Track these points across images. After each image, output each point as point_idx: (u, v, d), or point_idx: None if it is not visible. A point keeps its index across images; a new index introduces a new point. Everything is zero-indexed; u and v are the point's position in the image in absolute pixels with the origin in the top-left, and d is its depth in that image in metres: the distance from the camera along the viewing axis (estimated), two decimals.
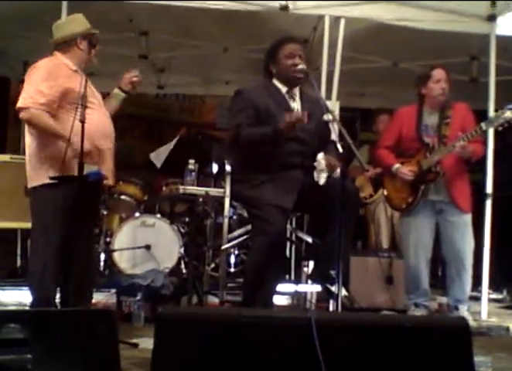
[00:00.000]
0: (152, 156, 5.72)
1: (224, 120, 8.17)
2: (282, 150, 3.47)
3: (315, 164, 3.48)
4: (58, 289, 3.32)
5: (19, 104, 3.26)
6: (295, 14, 4.65)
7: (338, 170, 3.47)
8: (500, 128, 3.95)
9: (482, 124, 3.96)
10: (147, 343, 3.08)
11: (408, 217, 4.27)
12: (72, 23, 3.52)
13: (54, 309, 2.60)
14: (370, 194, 5.84)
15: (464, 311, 4.13)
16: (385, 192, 4.44)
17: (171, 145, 5.45)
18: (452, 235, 4.17)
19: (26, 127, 3.37)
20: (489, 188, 4.59)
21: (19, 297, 4.25)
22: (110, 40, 5.28)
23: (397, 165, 4.22)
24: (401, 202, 4.27)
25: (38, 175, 3.29)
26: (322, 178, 3.47)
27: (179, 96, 8.60)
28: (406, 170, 4.16)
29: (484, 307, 4.55)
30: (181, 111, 8.80)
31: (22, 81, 3.45)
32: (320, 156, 3.48)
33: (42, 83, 3.26)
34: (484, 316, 4.53)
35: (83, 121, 3.11)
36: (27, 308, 3.48)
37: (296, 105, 3.60)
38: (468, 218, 4.18)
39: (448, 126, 4.16)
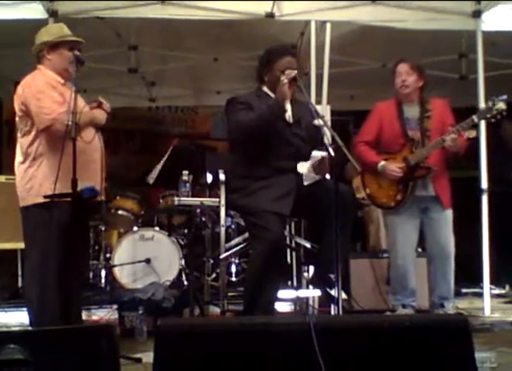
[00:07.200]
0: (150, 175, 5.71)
1: (219, 130, 8.18)
2: (275, 154, 3.49)
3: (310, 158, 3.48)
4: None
5: (46, 124, 3.18)
6: (281, 20, 4.68)
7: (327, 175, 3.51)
8: (493, 120, 3.93)
9: (474, 117, 3.93)
10: (150, 357, 3.03)
11: (394, 216, 4.15)
12: (41, 34, 3.42)
13: (53, 328, 2.58)
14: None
15: (450, 307, 4.08)
16: (367, 191, 4.22)
17: (163, 160, 5.44)
18: (437, 232, 4.12)
19: (18, 147, 3.34)
20: (484, 184, 4.59)
21: (22, 318, 4.23)
22: (99, 56, 5.32)
23: (382, 162, 4.09)
24: (388, 200, 4.14)
25: (30, 195, 3.26)
26: (307, 180, 3.48)
27: (172, 108, 8.59)
28: (394, 167, 4.06)
29: (487, 302, 4.55)
30: (174, 123, 8.79)
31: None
32: (314, 153, 3.48)
33: (49, 93, 3.22)
34: (487, 312, 4.52)
35: (74, 138, 3.06)
36: (30, 328, 3.46)
37: (288, 110, 3.60)
38: (450, 214, 4.15)
39: (429, 119, 4.12)
